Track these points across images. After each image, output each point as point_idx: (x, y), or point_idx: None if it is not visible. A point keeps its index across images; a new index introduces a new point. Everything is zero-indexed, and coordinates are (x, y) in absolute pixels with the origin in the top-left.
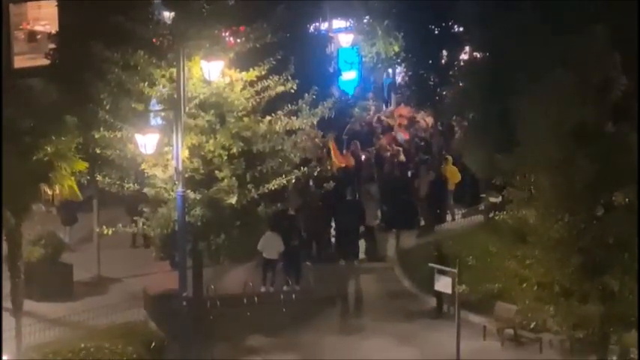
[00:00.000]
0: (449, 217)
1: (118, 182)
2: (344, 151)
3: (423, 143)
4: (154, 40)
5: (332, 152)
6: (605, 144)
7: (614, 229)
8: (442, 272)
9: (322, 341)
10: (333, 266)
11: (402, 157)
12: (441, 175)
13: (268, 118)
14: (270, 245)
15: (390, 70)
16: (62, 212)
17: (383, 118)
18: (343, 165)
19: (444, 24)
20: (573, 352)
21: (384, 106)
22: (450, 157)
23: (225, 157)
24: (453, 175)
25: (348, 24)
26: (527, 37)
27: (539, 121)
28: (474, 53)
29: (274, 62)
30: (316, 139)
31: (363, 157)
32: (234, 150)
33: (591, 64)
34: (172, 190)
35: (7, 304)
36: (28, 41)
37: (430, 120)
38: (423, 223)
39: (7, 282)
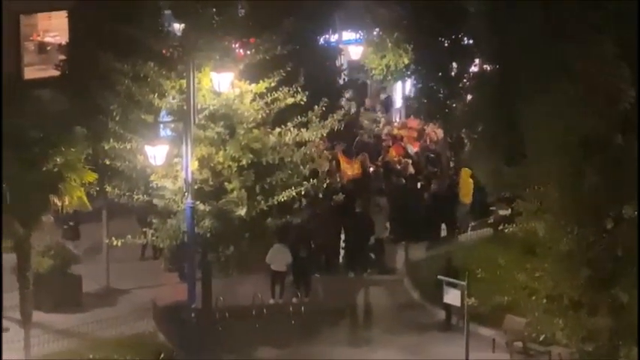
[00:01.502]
0: (460, 229)
1: (127, 193)
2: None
3: (432, 155)
4: (164, 51)
5: (341, 162)
6: (614, 156)
7: (623, 241)
8: (451, 285)
9: (331, 353)
10: (342, 278)
11: (412, 169)
12: (448, 188)
13: (278, 129)
14: (278, 257)
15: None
16: (66, 227)
17: (390, 130)
18: (352, 173)
19: (453, 36)
20: None
21: (395, 118)
22: (467, 170)
23: (235, 169)
24: (466, 187)
25: (358, 36)
26: (537, 49)
27: (548, 133)
28: (484, 65)
29: (284, 74)
30: (325, 152)
31: (372, 169)
32: (244, 162)
33: (600, 76)
34: (182, 202)
35: (15, 314)
36: (38, 52)
37: (440, 132)
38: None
39: (16, 293)
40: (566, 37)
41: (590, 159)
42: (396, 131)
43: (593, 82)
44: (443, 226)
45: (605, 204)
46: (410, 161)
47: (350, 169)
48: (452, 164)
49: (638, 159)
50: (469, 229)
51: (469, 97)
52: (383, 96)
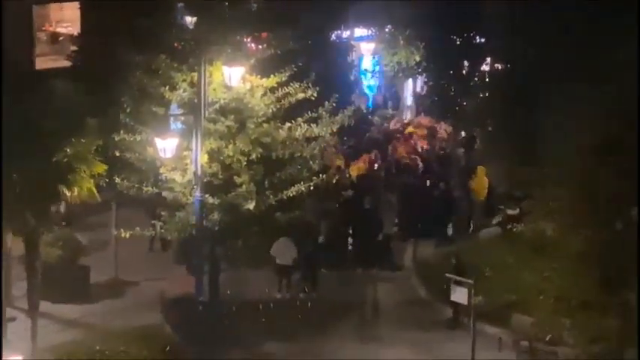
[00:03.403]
0: (470, 228)
1: (136, 185)
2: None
3: (442, 152)
4: (175, 44)
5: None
6: (628, 158)
7: (633, 243)
8: (458, 283)
9: (337, 349)
10: (350, 274)
11: (421, 166)
12: (458, 186)
13: (288, 124)
14: (283, 251)
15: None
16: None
17: (401, 127)
18: (357, 171)
19: (465, 34)
20: None
21: (406, 115)
22: (482, 167)
23: (244, 163)
24: (480, 185)
25: (369, 32)
26: (549, 48)
27: (563, 134)
28: (496, 64)
29: (295, 69)
30: (333, 148)
31: (382, 166)
32: (254, 156)
33: (615, 78)
34: (191, 195)
35: (24, 304)
36: (50, 43)
37: (450, 130)
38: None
39: (24, 283)
40: (581, 37)
41: (604, 161)
42: (407, 129)
43: (609, 83)
44: (451, 224)
45: (617, 206)
46: (419, 158)
47: (355, 169)
48: (462, 162)
49: (637, 159)
50: (479, 227)
51: (481, 95)
52: (393, 93)
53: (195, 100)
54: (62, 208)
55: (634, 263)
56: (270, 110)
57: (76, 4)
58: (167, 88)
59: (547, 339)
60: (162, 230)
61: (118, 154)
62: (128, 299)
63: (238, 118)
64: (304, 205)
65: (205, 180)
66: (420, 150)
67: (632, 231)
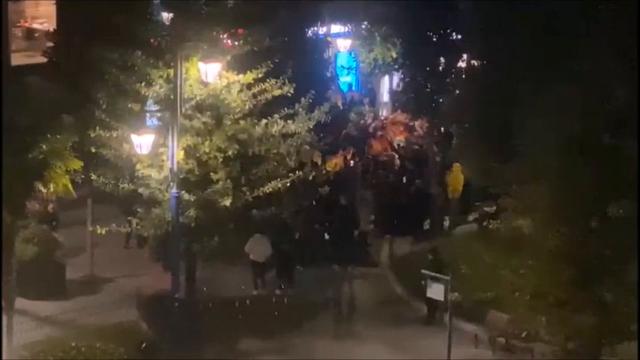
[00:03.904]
0: (445, 225)
1: (112, 182)
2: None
3: (418, 149)
4: (152, 40)
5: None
6: (604, 156)
7: (609, 241)
8: (435, 279)
9: (313, 346)
10: (326, 271)
11: (398, 162)
12: (434, 183)
13: (264, 121)
14: (257, 248)
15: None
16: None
17: (377, 124)
18: (332, 168)
19: (442, 31)
20: None
21: (382, 112)
22: (458, 165)
23: (221, 159)
24: (455, 182)
25: (346, 29)
26: (526, 46)
27: (539, 131)
28: (472, 61)
29: (271, 65)
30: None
31: (352, 163)
32: (230, 152)
33: (591, 75)
34: (167, 191)
35: None
36: (25, 39)
37: (427, 127)
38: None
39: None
40: (558, 35)
41: (580, 158)
42: (383, 126)
43: (585, 81)
44: (428, 220)
45: (593, 203)
46: (396, 155)
47: (332, 164)
48: (438, 159)
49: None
50: (454, 224)
51: (457, 92)
52: (370, 90)
53: (172, 97)
54: (51, 207)
55: (610, 260)
56: (247, 107)
57: (52, 1)
58: (143, 84)
59: (523, 336)
60: (138, 227)
61: (93, 150)
62: (104, 296)
63: (215, 115)
64: (280, 201)
65: (181, 176)
66: (396, 147)
67: (609, 228)
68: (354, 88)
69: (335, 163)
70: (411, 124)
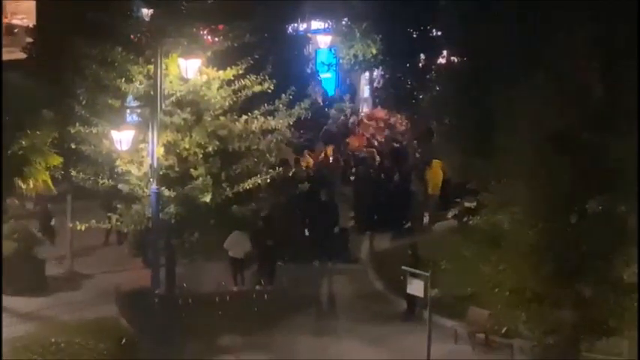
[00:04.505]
0: (425, 221)
1: (92, 178)
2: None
3: (398, 145)
4: (132, 36)
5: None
6: (582, 152)
7: (588, 236)
8: (415, 275)
9: (293, 342)
10: (307, 267)
11: (378, 159)
12: (414, 179)
13: (245, 117)
14: (236, 244)
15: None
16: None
17: (357, 120)
18: (307, 164)
19: (422, 27)
20: (544, 358)
21: (362, 108)
22: (438, 161)
23: (201, 156)
24: (435, 178)
25: (326, 25)
26: (506, 42)
27: (517, 127)
28: (452, 57)
29: (252, 61)
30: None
31: (338, 159)
32: (210, 148)
33: (570, 71)
34: (147, 187)
35: None
36: (5, 35)
37: (407, 123)
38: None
39: None
40: (538, 32)
41: (558, 154)
42: (364, 122)
43: (563, 77)
44: (407, 216)
45: (571, 199)
46: (375, 151)
47: (306, 162)
48: (418, 155)
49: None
50: (434, 220)
51: (437, 88)
52: (350, 86)
53: (152, 93)
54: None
55: (588, 256)
56: (227, 103)
57: None
58: (123, 80)
59: (503, 331)
60: (118, 223)
61: (73, 146)
62: (84, 292)
63: (195, 111)
64: (261, 198)
65: (161, 173)
66: (375, 143)
67: (587, 224)
68: (334, 84)
69: (308, 161)
70: (389, 120)
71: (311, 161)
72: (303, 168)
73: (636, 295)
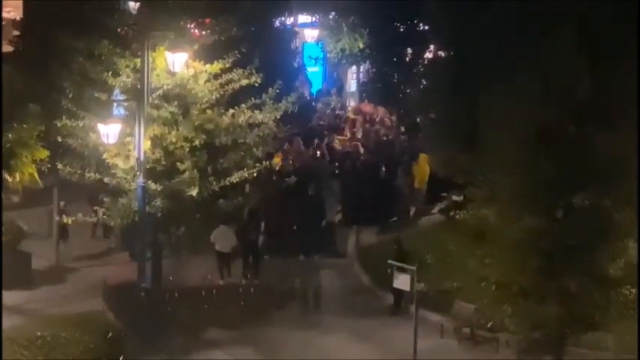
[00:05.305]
0: (411, 215)
1: (79, 171)
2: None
3: (385, 139)
4: (118, 29)
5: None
6: (568, 146)
7: (573, 231)
8: (401, 269)
9: (279, 336)
10: (293, 261)
11: (362, 151)
12: (400, 173)
13: (232, 111)
14: (222, 239)
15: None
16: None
17: (344, 114)
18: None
19: (409, 22)
20: (530, 352)
21: (349, 102)
22: (424, 155)
23: (188, 149)
24: (421, 173)
25: (313, 19)
26: (493, 37)
27: (503, 121)
28: (439, 52)
29: (239, 55)
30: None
31: (324, 153)
32: (197, 142)
33: (556, 66)
34: (133, 181)
35: None
36: None
37: (393, 117)
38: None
39: None
40: (525, 25)
41: (543, 148)
42: (350, 116)
43: (549, 71)
44: (394, 210)
45: (557, 193)
46: (359, 144)
47: (277, 159)
48: (405, 149)
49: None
50: (420, 214)
51: (423, 82)
52: (337, 80)
53: (139, 86)
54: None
55: (574, 251)
56: (214, 96)
57: None
58: (110, 73)
59: (489, 326)
60: (105, 216)
61: (60, 139)
62: (70, 285)
63: (182, 105)
64: (247, 191)
65: (148, 166)
66: (359, 137)
67: (573, 219)
68: (321, 78)
69: (278, 158)
70: (376, 114)
71: (278, 160)
72: (290, 162)
73: (621, 289)
